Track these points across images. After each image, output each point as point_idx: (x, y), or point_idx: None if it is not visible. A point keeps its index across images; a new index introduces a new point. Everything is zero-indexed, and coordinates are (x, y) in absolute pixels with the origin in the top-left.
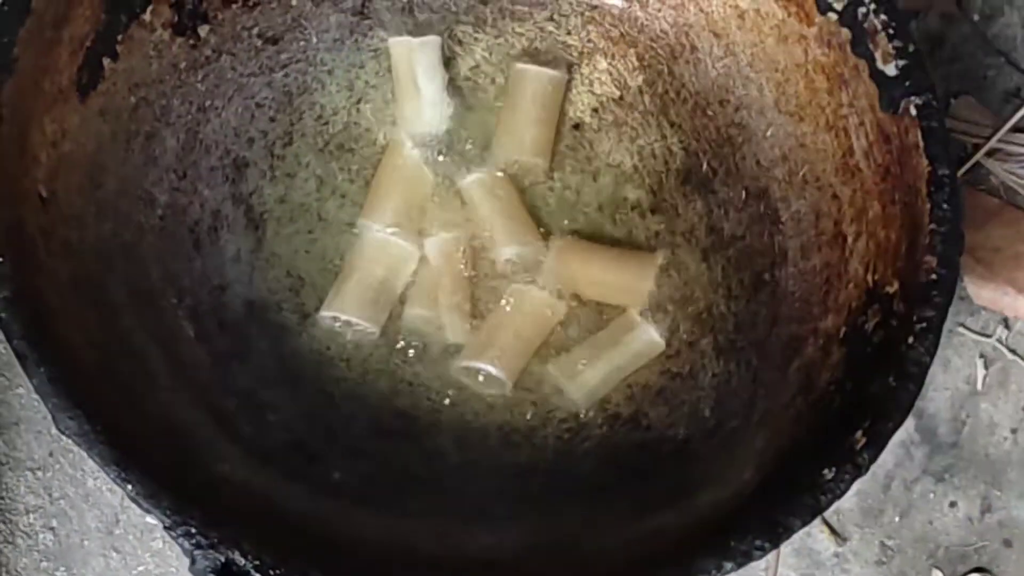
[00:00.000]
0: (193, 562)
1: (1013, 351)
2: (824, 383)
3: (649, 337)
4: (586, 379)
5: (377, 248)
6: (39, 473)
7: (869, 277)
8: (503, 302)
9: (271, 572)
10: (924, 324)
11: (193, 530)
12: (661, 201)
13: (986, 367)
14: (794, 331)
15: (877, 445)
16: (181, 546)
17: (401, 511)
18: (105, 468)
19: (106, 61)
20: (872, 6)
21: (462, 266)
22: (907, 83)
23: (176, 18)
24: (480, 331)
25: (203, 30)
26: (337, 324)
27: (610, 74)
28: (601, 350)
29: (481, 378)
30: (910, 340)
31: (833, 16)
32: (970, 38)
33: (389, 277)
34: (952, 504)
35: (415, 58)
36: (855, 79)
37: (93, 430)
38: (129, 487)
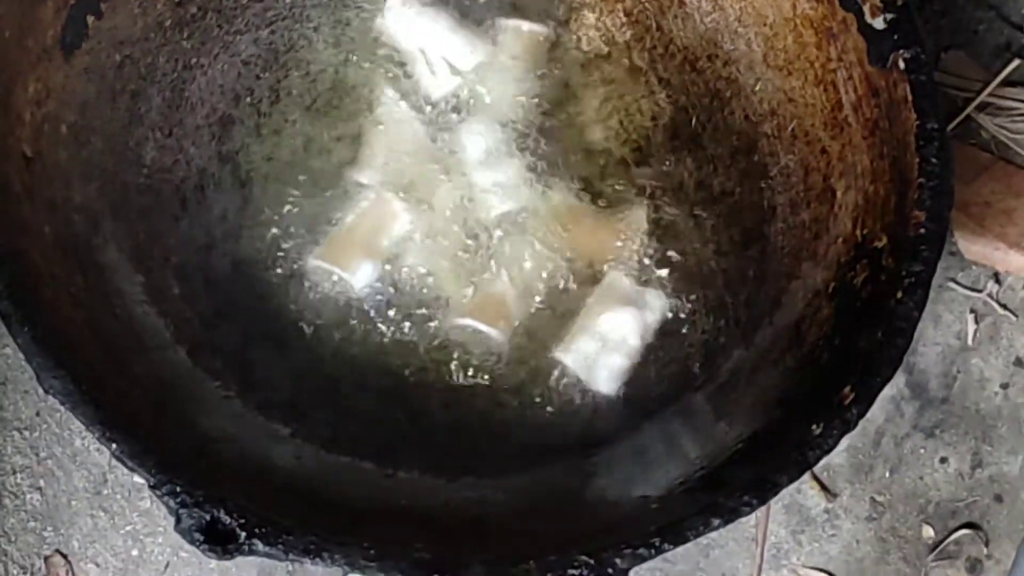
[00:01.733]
0: (178, 521)
1: (1004, 306)
2: (813, 339)
3: (640, 298)
4: (579, 346)
5: (367, 203)
6: (26, 433)
7: (858, 232)
8: (495, 260)
9: (256, 531)
10: (913, 279)
11: (178, 488)
12: (649, 157)
13: (976, 322)
14: (783, 286)
15: (865, 400)
16: (166, 504)
17: (389, 468)
18: (89, 427)
19: (90, 19)
20: None
21: (455, 223)
22: (895, 37)
23: None
24: (474, 289)
25: None
26: (326, 280)
27: (598, 30)
28: (592, 317)
29: (476, 336)
30: (899, 295)
31: None
32: None
33: (378, 232)
34: (943, 460)
35: (409, 27)
36: (843, 33)
37: (78, 389)
38: (114, 446)
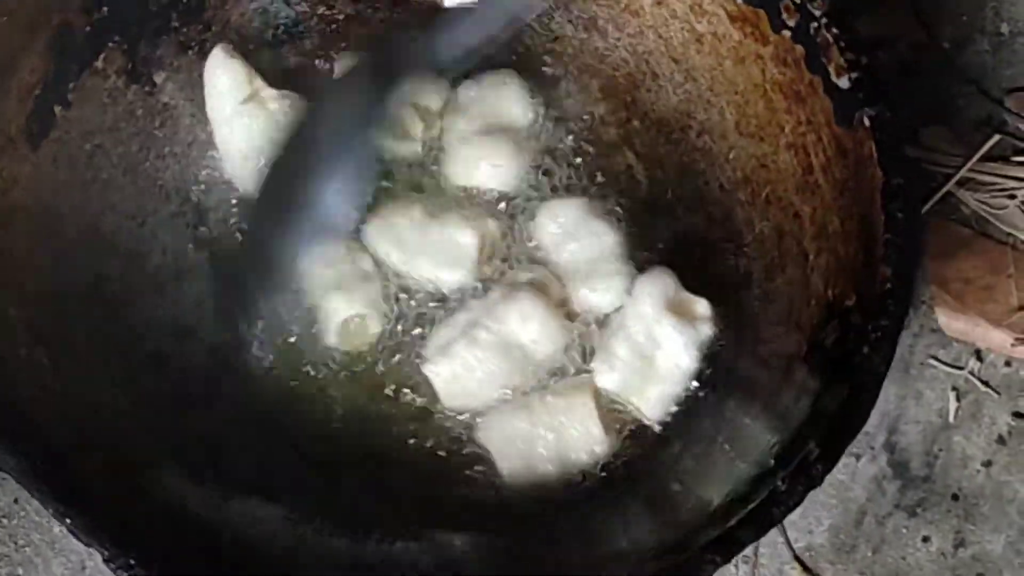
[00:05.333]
0: None
1: (985, 383)
2: (786, 402)
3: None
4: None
5: None
6: (4, 521)
7: (829, 292)
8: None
9: None
10: (879, 333)
11: (132, 561)
12: (627, 230)
13: (958, 400)
14: (759, 352)
15: (831, 456)
16: None
17: (364, 547)
18: (45, 504)
19: (58, 109)
20: (824, 20)
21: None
22: (860, 95)
23: (130, 65)
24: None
25: (159, 76)
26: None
27: (572, 105)
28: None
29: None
30: (865, 350)
31: (787, 33)
32: (940, 66)
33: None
34: (925, 539)
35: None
36: (811, 95)
37: (31, 467)
38: (68, 521)
